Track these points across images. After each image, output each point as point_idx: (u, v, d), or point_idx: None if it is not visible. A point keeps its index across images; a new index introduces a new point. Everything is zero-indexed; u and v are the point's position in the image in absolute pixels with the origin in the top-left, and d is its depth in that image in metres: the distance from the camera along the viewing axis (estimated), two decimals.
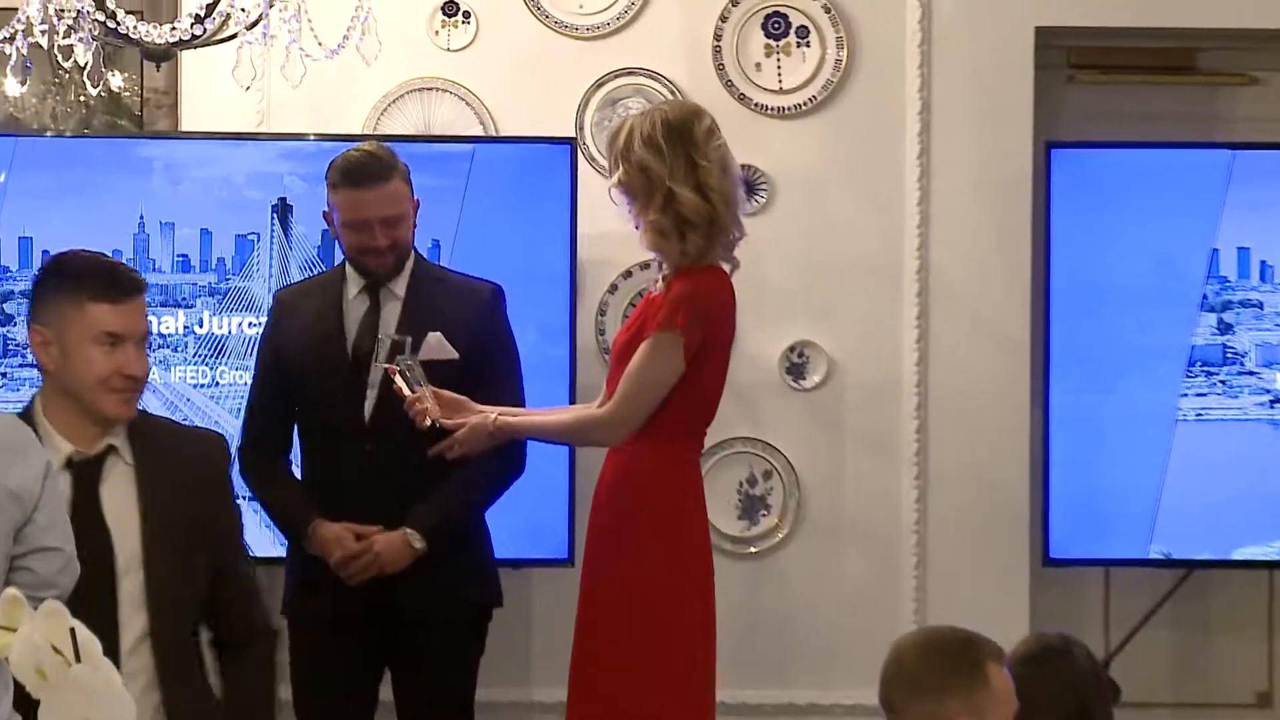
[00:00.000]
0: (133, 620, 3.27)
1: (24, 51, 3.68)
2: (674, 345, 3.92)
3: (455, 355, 4.13)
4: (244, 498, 4.17)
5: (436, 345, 4.10)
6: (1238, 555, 4.95)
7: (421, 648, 4.17)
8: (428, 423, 4.00)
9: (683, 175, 3.90)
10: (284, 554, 4.44)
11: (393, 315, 4.18)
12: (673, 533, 3.99)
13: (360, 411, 4.18)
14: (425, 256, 4.33)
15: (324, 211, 4.29)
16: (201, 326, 4.76)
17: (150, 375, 3.39)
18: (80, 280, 3.28)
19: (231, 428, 4.64)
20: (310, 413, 4.25)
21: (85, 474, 3.30)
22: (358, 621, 4.16)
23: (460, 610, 4.23)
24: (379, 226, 4.10)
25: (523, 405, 4.22)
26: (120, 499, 3.31)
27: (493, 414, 4.04)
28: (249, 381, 4.54)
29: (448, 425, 4.00)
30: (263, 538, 4.55)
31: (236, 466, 3.92)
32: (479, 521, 4.30)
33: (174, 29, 3.81)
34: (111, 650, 2.20)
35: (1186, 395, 4.93)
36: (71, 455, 3.29)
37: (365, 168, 4.12)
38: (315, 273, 4.67)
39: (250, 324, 4.74)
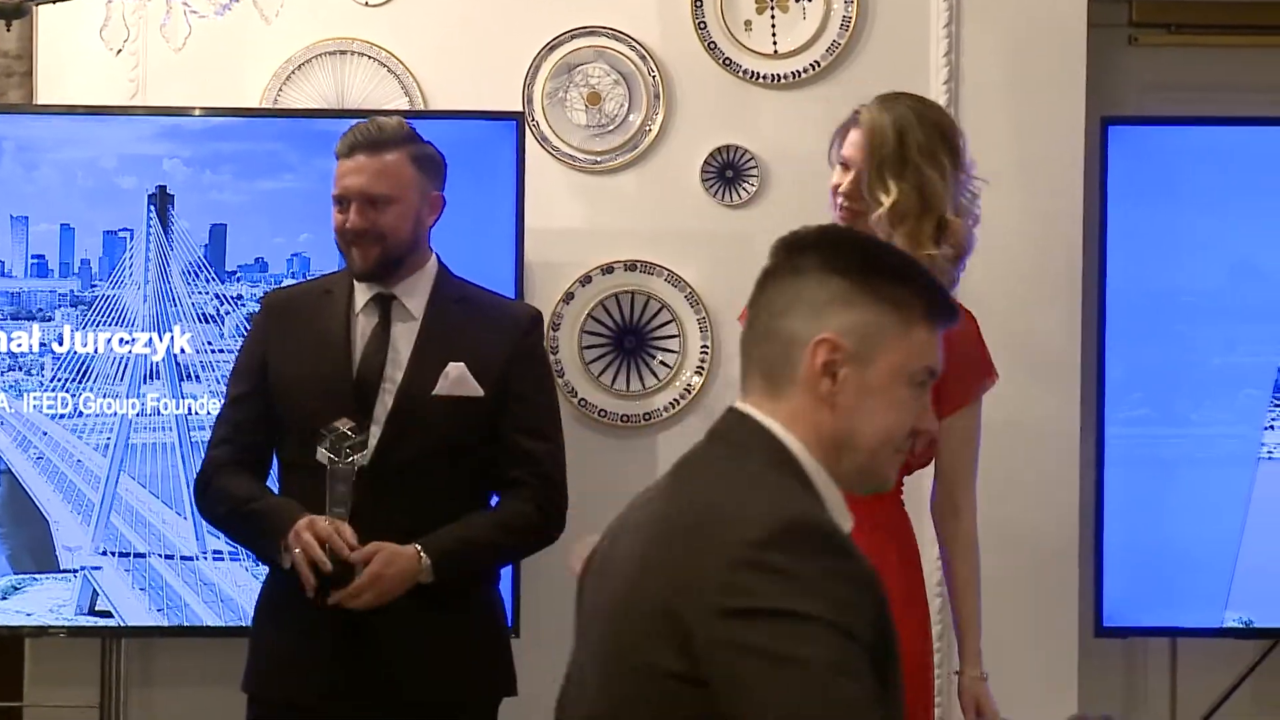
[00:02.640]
0: None
1: None
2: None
3: (480, 392, 3.84)
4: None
5: (457, 379, 3.82)
6: None
7: None
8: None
9: (953, 198, 3.64)
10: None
11: (406, 338, 3.86)
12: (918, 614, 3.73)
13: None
14: (449, 269, 4.03)
15: None
16: (61, 344, 4.53)
17: None
18: (918, 289, 2.44)
19: (98, 468, 4.47)
20: (298, 443, 3.85)
21: None
22: (345, 707, 3.80)
23: (466, 695, 3.89)
24: (357, 204, 3.79)
25: (560, 455, 3.95)
26: None
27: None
28: (118, 412, 4.45)
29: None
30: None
31: (194, 495, 3.89)
32: (494, 586, 3.98)
33: None
34: None
35: (1272, 428, 4.77)
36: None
37: (359, 134, 3.87)
38: (201, 277, 4.52)
39: (122, 340, 4.50)
